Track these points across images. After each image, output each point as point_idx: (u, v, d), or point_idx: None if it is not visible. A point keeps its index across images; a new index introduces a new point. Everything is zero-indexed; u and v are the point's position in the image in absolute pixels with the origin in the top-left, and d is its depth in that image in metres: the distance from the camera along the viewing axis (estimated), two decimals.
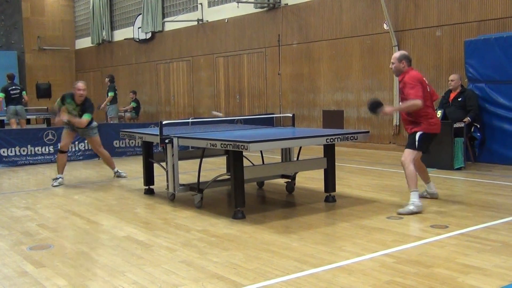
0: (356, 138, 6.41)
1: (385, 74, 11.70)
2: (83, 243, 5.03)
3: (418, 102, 5.67)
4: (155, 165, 7.38)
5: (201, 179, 6.47)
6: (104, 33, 22.09)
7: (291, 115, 7.94)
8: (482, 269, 3.97)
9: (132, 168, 9.98)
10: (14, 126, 14.25)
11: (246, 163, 6.14)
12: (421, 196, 6.07)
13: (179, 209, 6.40)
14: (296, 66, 13.89)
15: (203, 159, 6.58)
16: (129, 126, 12.30)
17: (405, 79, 5.83)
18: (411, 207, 5.71)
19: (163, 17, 18.59)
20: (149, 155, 7.43)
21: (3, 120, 15.80)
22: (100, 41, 22.51)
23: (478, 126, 9.15)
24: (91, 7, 22.84)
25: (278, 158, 7.43)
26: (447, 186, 7.34)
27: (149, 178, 7.43)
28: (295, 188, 7.27)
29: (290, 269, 4.08)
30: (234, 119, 11.72)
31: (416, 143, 5.83)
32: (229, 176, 5.91)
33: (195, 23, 17.06)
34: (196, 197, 6.42)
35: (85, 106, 8.20)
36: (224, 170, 7.90)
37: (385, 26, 11.48)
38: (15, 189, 8.15)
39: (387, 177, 8.30)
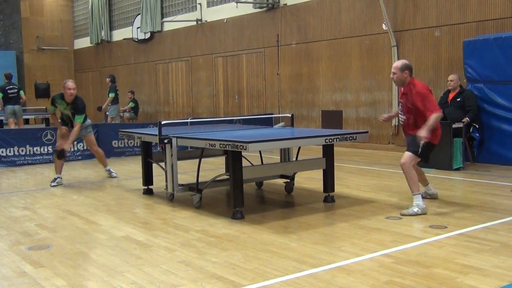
0: (355, 138, 6.41)
1: (384, 75, 11.70)
2: (82, 243, 5.03)
3: (440, 114, 5.76)
4: (154, 165, 7.38)
5: (200, 179, 6.47)
6: (103, 33, 22.08)
7: (290, 115, 7.95)
8: (481, 269, 3.97)
9: (131, 168, 9.98)
10: (12, 126, 14.23)
11: (245, 163, 6.14)
12: (422, 197, 6.07)
13: (178, 209, 6.39)
14: (295, 66, 13.89)
15: (202, 159, 6.57)
16: (128, 126, 12.29)
17: (418, 90, 5.76)
18: (415, 209, 5.71)
19: (162, 17, 18.58)
20: (148, 155, 7.42)
21: (1, 120, 15.78)
22: (99, 41, 22.50)
23: (477, 126, 9.16)
24: (90, 7, 22.83)
25: (277, 158, 7.44)
26: (446, 187, 7.34)
27: (148, 178, 7.42)
28: (294, 188, 7.27)
29: (289, 269, 4.08)
30: (233, 119, 11.71)
31: (420, 150, 5.79)
32: (228, 176, 5.90)
33: (194, 23, 17.06)
34: (195, 197, 6.42)
35: (76, 105, 8.20)
36: (223, 170, 7.90)
37: (384, 26, 11.48)
38: (14, 189, 8.15)
39: (386, 177, 8.31)
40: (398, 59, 11.03)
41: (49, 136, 10.91)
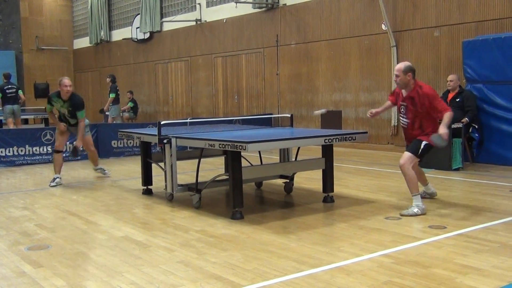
0: (354, 138, 6.42)
1: (383, 75, 11.71)
2: (81, 243, 5.03)
3: (452, 113, 5.75)
4: (153, 165, 7.38)
5: (200, 180, 6.47)
6: (102, 33, 22.06)
7: (290, 116, 7.95)
8: (480, 270, 3.97)
9: (130, 168, 9.98)
10: (11, 126, 14.22)
11: (244, 163, 6.14)
12: (422, 197, 6.07)
13: (177, 210, 6.39)
14: (294, 66, 13.89)
15: (202, 159, 6.57)
16: (127, 126, 12.28)
17: (427, 92, 5.75)
18: (415, 210, 5.71)
19: (161, 17, 18.58)
20: (147, 155, 7.42)
21: (1, 120, 15.77)
22: (98, 41, 22.48)
23: (476, 126, 9.17)
24: (89, 7, 22.82)
25: (276, 158, 7.44)
26: (445, 187, 7.34)
27: (147, 178, 7.42)
28: (294, 188, 7.27)
29: (288, 270, 4.08)
30: (233, 119, 11.71)
31: (420, 151, 5.80)
32: (228, 177, 5.90)
33: (194, 23, 17.06)
34: (194, 198, 6.42)
35: (73, 102, 8.21)
36: (223, 170, 7.90)
37: (383, 26, 11.49)
38: (13, 189, 8.14)
39: (385, 178, 8.31)
40: (398, 59, 11.06)
41: (48, 136, 10.91)
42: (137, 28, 19.59)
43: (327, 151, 6.43)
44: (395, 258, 4.29)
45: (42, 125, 16.60)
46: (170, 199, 6.85)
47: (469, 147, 9.23)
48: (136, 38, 19.78)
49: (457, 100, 9.09)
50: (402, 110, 6.02)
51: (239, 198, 5.75)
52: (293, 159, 7.14)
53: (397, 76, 5.87)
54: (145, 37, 19.41)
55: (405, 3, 11.24)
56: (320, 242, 4.83)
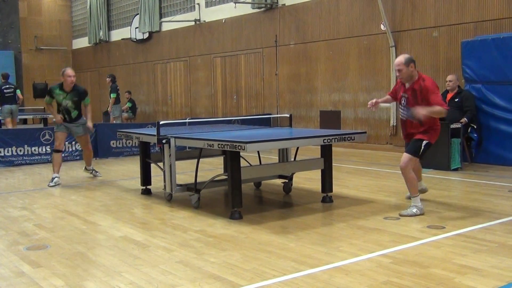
0: (353, 138, 6.41)
1: (382, 75, 11.72)
2: (80, 243, 5.03)
3: (445, 111, 5.55)
4: (152, 165, 7.38)
5: (198, 180, 6.47)
6: (101, 33, 22.06)
7: (289, 116, 7.95)
8: (479, 270, 3.98)
9: (129, 168, 9.98)
10: (10, 126, 14.22)
11: (243, 163, 6.14)
12: None
13: (176, 210, 6.39)
14: (293, 67, 13.90)
15: (201, 159, 6.58)
16: (126, 126, 12.28)
17: (427, 85, 5.62)
18: (414, 210, 5.71)
19: (161, 17, 18.58)
20: (146, 155, 7.42)
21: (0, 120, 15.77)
22: (97, 41, 22.48)
23: (475, 127, 9.17)
24: (88, 7, 22.81)
25: (275, 158, 7.44)
26: (444, 187, 7.35)
27: (146, 178, 7.42)
28: (292, 188, 7.27)
29: (287, 270, 4.08)
30: (231, 120, 11.71)
31: (421, 151, 5.74)
32: (226, 177, 5.90)
33: (193, 23, 17.06)
34: (193, 198, 6.42)
35: (77, 91, 8.20)
36: (222, 170, 7.89)
37: (382, 26, 11.49)
38: (12, 189, 8.14)
39: (384, 178, 8.31)
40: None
41: (47, 136, 10.90)
42: (136, 28, 19.59)
43: (326, 151, 6.43)
44: (394, 258, 4.29)
45: (41, 125, 16.60)
46: (169, 199, 6.85)
47: (468, 147, 9.24)
48: (135, 38, 19.78)
49: (456, 100, 9.09)
50: (403, 101, 5.89)
51: (238, 198, 5.75)
52: (292, 159, 7.14)
53: (399, 70, 5.75)
54: (144, 37, 19.41)
55: (404, 3, 11.25)
56: (319, 242, 4.83)
